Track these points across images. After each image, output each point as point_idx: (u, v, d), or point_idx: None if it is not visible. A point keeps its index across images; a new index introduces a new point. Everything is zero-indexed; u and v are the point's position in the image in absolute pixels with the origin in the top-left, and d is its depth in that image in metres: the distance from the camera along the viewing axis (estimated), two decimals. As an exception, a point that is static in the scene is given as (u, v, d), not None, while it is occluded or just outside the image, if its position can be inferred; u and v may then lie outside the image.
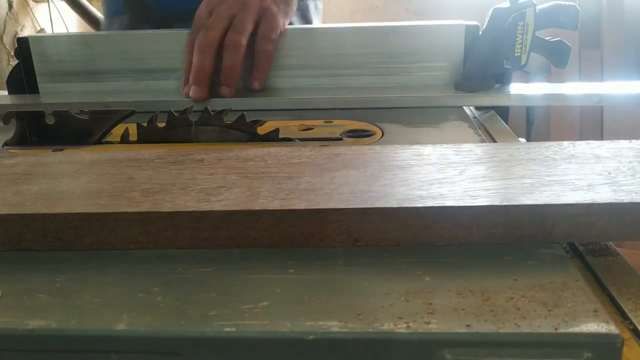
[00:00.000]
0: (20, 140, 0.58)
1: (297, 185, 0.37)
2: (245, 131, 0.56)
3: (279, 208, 0.34)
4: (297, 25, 0.90)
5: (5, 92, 0.79)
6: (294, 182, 0.37)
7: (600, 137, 2.00)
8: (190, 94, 0.68)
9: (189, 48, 0.70)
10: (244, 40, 0.69)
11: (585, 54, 1.96)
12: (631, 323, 0.30)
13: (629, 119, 1.89)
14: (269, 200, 0.35)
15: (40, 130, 0.58)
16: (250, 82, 0.72)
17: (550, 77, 1.83)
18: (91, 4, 1.78)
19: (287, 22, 0.75)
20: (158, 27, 0.85)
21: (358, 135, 0.60)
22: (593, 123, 1.95)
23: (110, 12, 0.97)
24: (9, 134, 0.59)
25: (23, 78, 0.78)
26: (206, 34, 0.68)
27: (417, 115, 0.66)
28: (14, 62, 0.81)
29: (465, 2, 1.98)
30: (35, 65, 0.77)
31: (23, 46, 0.76)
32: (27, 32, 2.38)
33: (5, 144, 0.59)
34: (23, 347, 0.28)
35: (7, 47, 2.19)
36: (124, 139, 0.57)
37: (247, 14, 0.69)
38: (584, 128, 1.96)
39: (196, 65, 0.68)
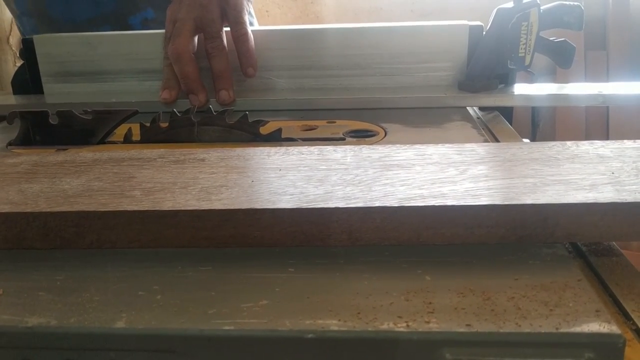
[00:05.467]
0: (25, 140, 0.59)
1: (297, 184, 0.37)
2: (248, 131, 0.56)
3: (279, 207, 0.34)
4: (300, 26, 0.90)
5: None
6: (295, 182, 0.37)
7: (606, 138, 1.99)
8: (191, 102, 0.68)
9: (166, 61, 0.70)
10: (222, 42, 0.69)
11: (591, 56, 1.95)
12: (634, 324, 0.29)
13: (636, 119, 1.87)
14: (270, 199, 0.35)
15: (44, 130, 0.58)
16: (245, 71, 0.71)
17: (555, 79, 1.82)
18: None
19: None
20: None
21: (361, 135, 0.59)
22: (599, 124, 1.94)
23: (19, 12, 0.93)
24: (13, 134, 0.59)
25: (28, 78, 0.78)
26: (174, 42, 0.68)
27: (420, 116, 0.65)
28: (20, 63, 0.81)
29: (471, 4, 1.98)
30: (40, 65, 0.77)
31: (28, 47, 0.77)
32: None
33: (10, 143, 0.59)
34: (23, 345, 0.28)
35: (13, 48, 2.20)
36: (127, 139, 0.57)
37: (211, 14, 0.69)
38: (590, 129, 1.95)
39: (180, 75, 0.68)
